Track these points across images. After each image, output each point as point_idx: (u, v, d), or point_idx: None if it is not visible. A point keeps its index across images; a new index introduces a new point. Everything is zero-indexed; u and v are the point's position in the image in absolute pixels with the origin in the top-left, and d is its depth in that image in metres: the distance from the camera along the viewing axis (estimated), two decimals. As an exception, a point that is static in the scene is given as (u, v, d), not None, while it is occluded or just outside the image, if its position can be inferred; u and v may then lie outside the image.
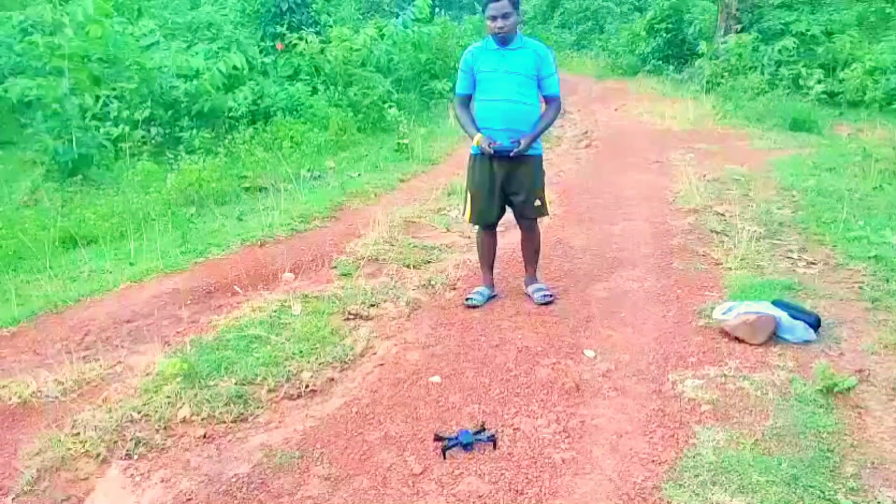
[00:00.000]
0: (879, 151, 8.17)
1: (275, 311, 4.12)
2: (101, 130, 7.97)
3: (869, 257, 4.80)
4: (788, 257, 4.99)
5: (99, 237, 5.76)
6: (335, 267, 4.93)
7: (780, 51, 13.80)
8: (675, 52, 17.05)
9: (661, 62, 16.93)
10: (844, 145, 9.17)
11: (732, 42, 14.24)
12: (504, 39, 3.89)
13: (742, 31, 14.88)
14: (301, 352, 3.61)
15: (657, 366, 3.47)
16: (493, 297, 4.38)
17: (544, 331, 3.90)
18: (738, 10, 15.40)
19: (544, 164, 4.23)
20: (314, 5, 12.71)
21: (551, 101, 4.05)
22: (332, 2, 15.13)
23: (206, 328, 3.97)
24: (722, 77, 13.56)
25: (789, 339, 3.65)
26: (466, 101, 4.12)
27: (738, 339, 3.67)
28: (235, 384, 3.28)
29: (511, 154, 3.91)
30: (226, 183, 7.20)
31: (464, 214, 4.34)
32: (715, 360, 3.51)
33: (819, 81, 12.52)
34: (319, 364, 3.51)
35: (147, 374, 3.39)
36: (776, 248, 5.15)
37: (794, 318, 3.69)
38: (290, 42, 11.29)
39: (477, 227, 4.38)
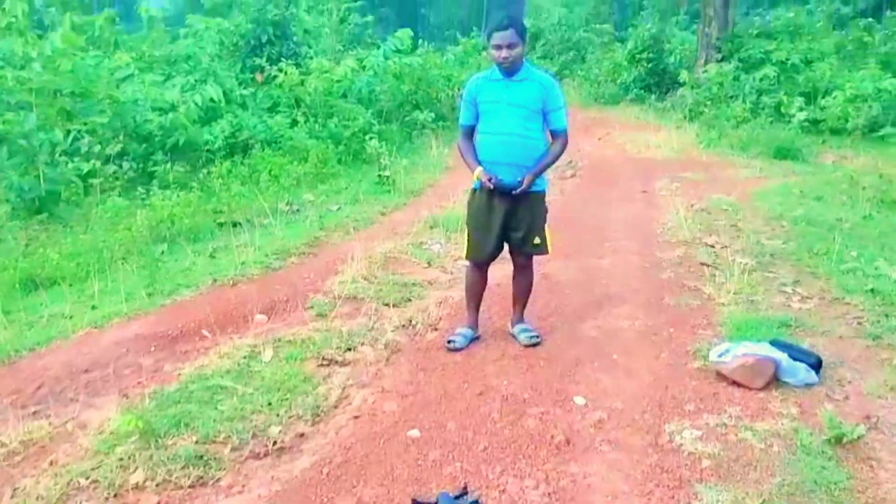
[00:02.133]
0: (865, 179, 8.09)
1: (244, 358, 3.86)
2: (71, 166, 7.72)
3: (866, 291, 4.63)
4: (782, 291, 4.81)
5: (61, 279, 5.47)
6: (311, 307, 4.67)
7: (761, 79, 13.83)
8: (656, 81, 17.05)
9: (643, 91, 16.92)
10: (830, 173, 9.11)
11: (713, 71, 14.26)
12: (509, 70, 3.72)
13: (722, 60, 14.92)
14: (270, 403, 3.35)
15: (652, 414, 3.24)
16: (476, 338, 4.14)
17: (531, 376, 3.66)
18: (717, 39, 15.48)
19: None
20: (294, 37, 12.58)
21: (557, 135, 3.85)
22: (312, 34, 15.00)
23: (169, 378, 3.70)
24: (705, 105, 13.55)
25: (790, 383, 3.44)
26: (469, 132, 3.92)
27: (736, 384, 3.45)
28: (196, 443, 3.01)
29: (514, 193, 3.72)
30: (199, 219, 6.96)
31: (464, 252, 4.13)
32: (714, 407, 3.28)
33: (801, 109, 12.51)
34: (289, 417, 3.25)
35: (100, 433, 3.11)
36: (769, 282, 4.97)
37: (795, 359, 3.48)
38: (270, 74, 11.12)
39: (468, 263, 4.16)
